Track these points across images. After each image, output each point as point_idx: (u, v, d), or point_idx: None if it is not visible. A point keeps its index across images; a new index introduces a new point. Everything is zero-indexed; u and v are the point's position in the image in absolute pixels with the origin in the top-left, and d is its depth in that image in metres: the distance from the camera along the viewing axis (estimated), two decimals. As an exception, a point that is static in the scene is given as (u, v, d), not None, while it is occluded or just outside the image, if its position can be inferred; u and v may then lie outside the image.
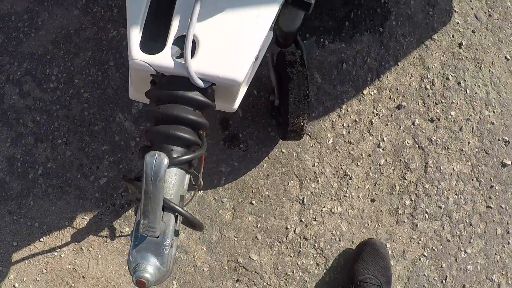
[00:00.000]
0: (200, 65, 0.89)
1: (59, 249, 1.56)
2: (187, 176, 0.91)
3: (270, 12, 0.93)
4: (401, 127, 1.63)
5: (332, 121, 1.61)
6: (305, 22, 1.65)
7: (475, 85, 1.68)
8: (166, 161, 0.75)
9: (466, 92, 1.67)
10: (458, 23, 1.72)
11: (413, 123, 1.63)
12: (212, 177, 1.57)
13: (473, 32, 1.72)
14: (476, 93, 1.67)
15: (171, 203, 0.82)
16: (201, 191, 1.55)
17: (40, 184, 1.57)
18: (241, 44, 0.91)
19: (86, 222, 1.57)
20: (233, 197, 1.56)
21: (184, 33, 0.89)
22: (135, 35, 0.90)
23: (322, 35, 1.67)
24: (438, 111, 1.65)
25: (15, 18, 1.65)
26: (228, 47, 0.91)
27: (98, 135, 1.58)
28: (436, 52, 1.69)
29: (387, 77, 1.66)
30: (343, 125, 1.61)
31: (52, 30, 1.64)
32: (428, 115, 1.65)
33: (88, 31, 1.65)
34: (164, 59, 0.89)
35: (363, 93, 1.64)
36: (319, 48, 1.66)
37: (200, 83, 0.88)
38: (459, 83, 1.68)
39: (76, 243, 1.56)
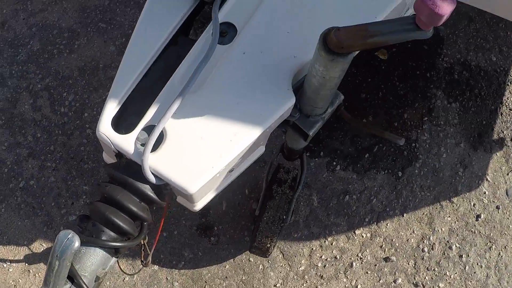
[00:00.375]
0: (158, 161, 0.87)
1: (9, 263, 1.58)
2: (113, 259, 0.90)
3: (249, 134, 0.89)
4: (381, 281, 1.54)
5: (312, 249, 1.55)
6: (325, 140, 1.60)
7: (477, 264, 1.56)
8: (76, 244, 0.76)
9: (465, 268, 1.55)
10: (485, 193, 1.61)
11: (394, 281, 1.54)
12: (172, 257, 1.54)
13: (497, 207, 1.60)
14: (475, 272, 1.55)
15: (80, 281, 0.82)
16: (156, 266, 1.53)
17: (17, 196, 1.60)
18: (207, 155, 0.87)
19: (42, 249, 1.58)
20: (185, 284, 1.53)
21: (155, 124, 0.87)
22: (110, 108, 0.90)
23: (337, 158, 1.60)
24: (426, 277, 1.55)
25: (56, 32, 1.69)
26: (193, 154, 0.87)
27: (85, 173, 1.60)
28: (449, 216, 1.58)
29: (386, 224, 1.57)
30: (321, 257, 1.54)
31: (84, 57, 1.67)
32: (415, 278, 1.54)
33: (115, 71, 1.67)
34: (127, 142, 0.88)
35: (354, 232, 1.56)
36: (328, 171, 1.59)
37: (152, 179, 0.86)
38: (461, 256, 1.56)
39: (26, 264, 1.58)
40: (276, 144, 1.53)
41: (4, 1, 1.72)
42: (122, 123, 0.91)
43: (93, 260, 0.87)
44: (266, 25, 0.95)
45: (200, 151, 0.87)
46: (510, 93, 1.66)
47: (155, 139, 0.85)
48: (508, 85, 1.67)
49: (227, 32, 0.95)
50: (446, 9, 0.65)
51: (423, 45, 1.68)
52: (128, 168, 0.89)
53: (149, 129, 0.88)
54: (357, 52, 0.80)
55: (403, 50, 1.66)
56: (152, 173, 0.86)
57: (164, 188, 0.91)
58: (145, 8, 0.99)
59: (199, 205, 0.98)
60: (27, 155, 1.63)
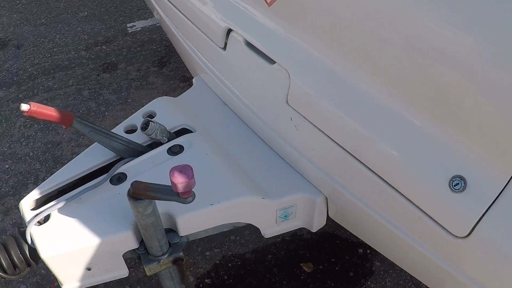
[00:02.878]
0: (37, 231, 1.37)
1: None
2: None
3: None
4: None
5: None
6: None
7: None
8: None
9: None
10: None
11: None
12: None
13: None
14: None
15: None
16: None
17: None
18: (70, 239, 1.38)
19: None
20: None
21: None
22: (40, 190, 1.47)
23: None
24: None
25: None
26: (62, 234, 1.37)
27: None
28: None
29: None
30: None
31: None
32: None
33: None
34: (28, 216, 1.40)
35: None
36: None
37: (28, 239, 1.37)
38: None
39: None
40: None
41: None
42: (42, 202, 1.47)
43: None
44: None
45: (65, 234, 1.36)
46: None
47: (37, 219, 1.39)
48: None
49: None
50: (178, 179, 1.14)
51: (349, 271, 2.00)
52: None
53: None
54: (153, 201, 1.28)
55: (329, 270, 1.99)
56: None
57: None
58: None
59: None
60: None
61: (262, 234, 1.56)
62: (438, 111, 1.10)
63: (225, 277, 1.97)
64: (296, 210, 1.53)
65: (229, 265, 2.02)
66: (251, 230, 2.08)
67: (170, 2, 2.12)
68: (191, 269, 2.01)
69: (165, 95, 2.96)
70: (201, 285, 1.95)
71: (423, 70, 1.10)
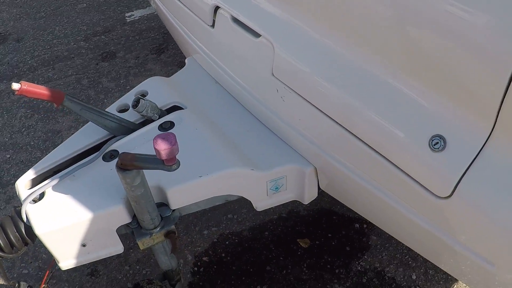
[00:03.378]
0: (33, 208, 1.40)
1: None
2: None
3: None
4: None
5: None
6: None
7: None
8: None
9: None
10: None
11: None
12: None
13: None
14: None
15: None
16: None
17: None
18: (65, 214, 1.40)
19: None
20: None
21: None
22: (35, 169, 1.51)
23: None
24: None
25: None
26: (56, 211, 1.41)
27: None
28: None
29: None
30: None
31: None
32: None
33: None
34: (23, 194, 1.45)
35: None
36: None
37: (24, 217, 1.40)
38: None
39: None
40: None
41: None
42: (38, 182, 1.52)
43: None
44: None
45: (59, 210, 1.40)
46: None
47: (32, 197, 1.42)
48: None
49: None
50: (161, 146, 1.17)
51: (346, 246, 2.02)
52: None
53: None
54: (141, 172, 1.32)
55: (326, 245, 2.02)
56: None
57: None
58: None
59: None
60: None
61: (255, 207, 1.59)
62: (415, 72, 1.12)
63: (223, 255, 2.01)
64: (286, 182, 1.56)
65: (227, 243, 2.05)
66: (248, 208, 2.11)
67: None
68: (189, 247, 2.05)
69: (163, 81, 3.01)
70: (199, 263, 1.99)
71: (399, 34, 1.12)
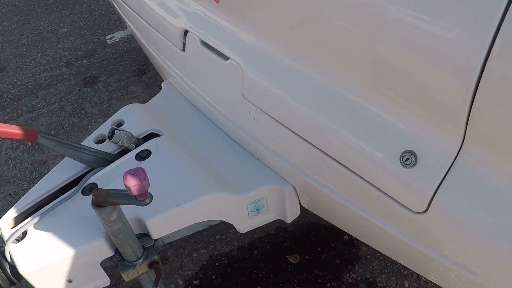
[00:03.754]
0: (15, 248, 1.39)
1: None
2: None
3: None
4: None
5: None
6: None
7: None
8: None
9: None
10: None
11: None
12: None
13: None
14: None
15: None
16: None
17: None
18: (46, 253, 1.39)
19: None
20: None
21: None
22: (16, 208, 1.50)
23: None
24: None
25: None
26: (37, 248, 1.40)
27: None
28: None
29: None
30: None
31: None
32: None
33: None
34: (6, 234, 1.43)
35: None
36: None
37: (8, 257, 1.39)
38: None
39: None
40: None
41: None
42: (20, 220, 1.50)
43: None
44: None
45: (42, 248, 1.39)
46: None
47: (14, 237, 1.42)
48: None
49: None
50: (131, 182, 1.17)
51: (336, 259, 2.02)
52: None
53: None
54: (117, 207, 1.32)
55: (316, 259, 2.02)
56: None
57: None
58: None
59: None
60: None
61: (238, 230, 1.59)
62: (382, 89, 1.12)
63: (213, 277, 2.01)
64: (267, 203, 1.55)
65: (216, 264, 2.05)
66: (236, 227, 2.10)
67: (133, 10, 2.16)
68: (179, 272, 2.04)
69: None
70: (190, 287, 1.98)
71: (364, 52, 1.12)
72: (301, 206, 1.57)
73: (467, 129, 0.97)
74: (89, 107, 3.12)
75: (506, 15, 0.83)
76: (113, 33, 3.89)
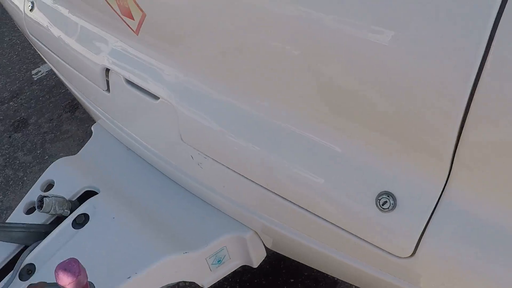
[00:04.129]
0: None
1: None
2: None
3: None
4: None
5: None
6: None
7: None
8: None
9: None
10: None
11: None
12: None
13: None
14: None
15: None
16: None
17: None
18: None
19: None
20: None
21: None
22: None
23: None
24: None
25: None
26: None
27: None
28: None
29: None
30: None
31: None
32: None
33: None
34: None
35: None
36: None
37: None
38: None
39: None
40: None
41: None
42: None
43: None
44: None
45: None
46: None
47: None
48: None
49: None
50: (64, 280, 0.97)
51: None
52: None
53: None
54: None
55: None
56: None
57: None
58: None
59: None
60: None
61: (201, 286, 1.41)
62: (345, 125, 0.96)
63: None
64: (228, 252, 1.38)
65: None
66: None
67: (49, 49, 1.92)
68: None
69: (82, 142, 2.77)
70: None
71: (324, 86, 0.96)
72: (266, 248, 1.41)
73: (453, 163, 0.82)
74: (22, 156, 2.85)
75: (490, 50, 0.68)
76: (39, 66, 3.61)
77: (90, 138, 1.75)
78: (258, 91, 1.09)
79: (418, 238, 0.91)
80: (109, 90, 1.55)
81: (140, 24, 1.30)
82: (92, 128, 1.80)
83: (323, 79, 0.94)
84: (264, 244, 1.39)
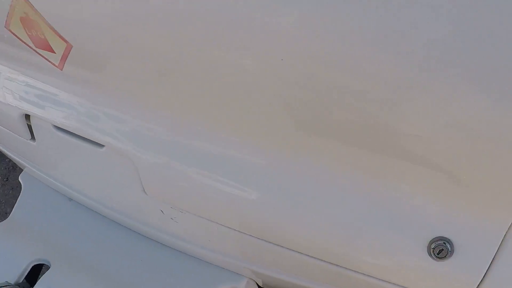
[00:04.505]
0: None
1: None
2: None
3: None
4: None
5: None
6: None
7: None
8: None
9: None
10: None
11: None
12: None
13: None
14: None
15: None
16: None
17: None
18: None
19: None
20: None
21: None
22: None
23: None
24: None
25: None
26: None
27: None
28: None
29: None
30: None
31: None
32: None
33: None
34: None
35: None
36: None
37: None
38: None
39: None
40: None
41: None
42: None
43: None
44: None
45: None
46: None
47: None
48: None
49: None
50: None
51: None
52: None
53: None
54: None
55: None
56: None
57: None
58: None
59: None
60: None
61: None
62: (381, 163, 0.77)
63: None
64: (224, 305, 1.17)
65: None
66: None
67: None
68: None
69: (5, 180, 2.39)
70: None
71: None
72: None
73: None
74: None
75: None
76: None
77: (21, 193, 1.45)
78: (227, 125, 0.87)
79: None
80: (34, 139, 1.26)
81: (64, 57, 1.02)
82: (20, 179, 1.50)
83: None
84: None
